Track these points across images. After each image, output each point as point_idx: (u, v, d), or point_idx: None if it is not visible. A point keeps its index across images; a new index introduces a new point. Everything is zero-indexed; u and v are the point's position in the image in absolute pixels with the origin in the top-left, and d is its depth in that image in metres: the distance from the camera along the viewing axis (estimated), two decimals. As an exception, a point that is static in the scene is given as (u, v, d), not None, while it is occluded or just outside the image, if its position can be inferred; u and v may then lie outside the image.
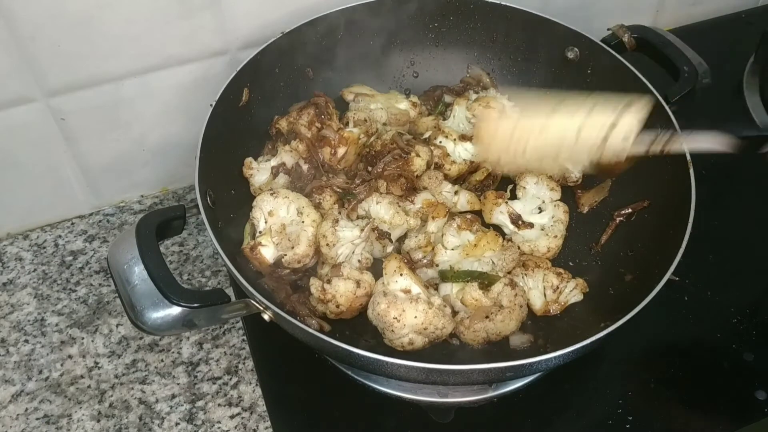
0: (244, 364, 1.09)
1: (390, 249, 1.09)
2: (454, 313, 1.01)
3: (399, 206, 1.08)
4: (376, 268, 1.06)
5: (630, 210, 1.12)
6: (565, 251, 1.13)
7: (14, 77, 1.05)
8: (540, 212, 1.14)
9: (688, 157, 1.02)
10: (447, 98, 1.29)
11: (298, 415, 1.05)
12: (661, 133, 0.89)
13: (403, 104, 1.26)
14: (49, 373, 1.09)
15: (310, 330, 0.87)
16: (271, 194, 1.06)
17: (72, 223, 1.28)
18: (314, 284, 1.01)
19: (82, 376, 1.08)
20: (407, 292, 0.98)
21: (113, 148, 1.21)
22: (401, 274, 0.99)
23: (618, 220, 1.13)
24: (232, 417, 1.04)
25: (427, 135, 1.22)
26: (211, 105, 1.06)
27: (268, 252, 1.03)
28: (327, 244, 1.02)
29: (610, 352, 1.10)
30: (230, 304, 0.88)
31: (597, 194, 1.18)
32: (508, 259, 1.05)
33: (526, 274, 1.06)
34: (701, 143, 0.88)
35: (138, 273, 0.85)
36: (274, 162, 1.14)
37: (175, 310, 0.84)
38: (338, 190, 1.12)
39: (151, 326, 0.84)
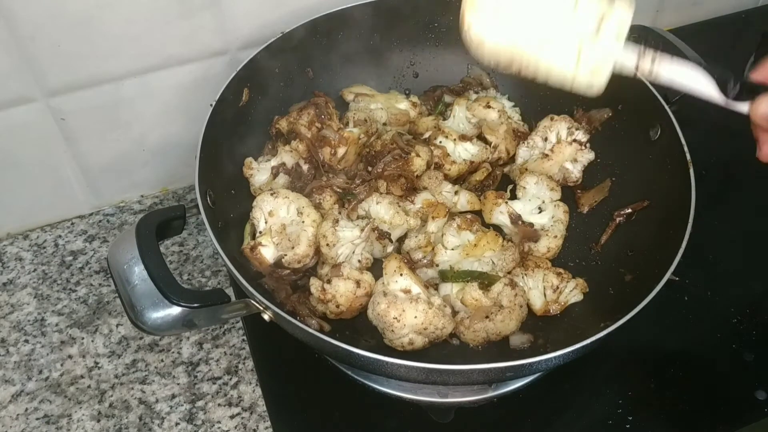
0: (244, 364, 1.09)
1: (390, 249, 1.09)
2: (454, 313, 1.01)
3: (399, 206, 1.08)
4: (376, 268, 1.06)
5: (630, 210, 1.12)
6: (565, 251, 1.13)
7: (14, 77, 1.05)
8: (540, 212, 1.14)
9: (688, 157, 1.03)
10: (447, 98, 1.29)
11: (298, 415, 1.05)
12: (648, 50, 0.87)
13: (403, 104, 1.26)
14: (49, 373, 1.09)
15: (310, 330, 0.87)
16: (271, 194, 1.06)
17: (72, 223, 1.28)
18: (314, 284, 1.01)
19: (82, 376, 1.08)
20: (407, 292, 0.98)
21: (113, 148, 1.21)
22: (401, 274, 0.99)
23: (618, 220, 1.13)
24: (232, 417, 1.04)
25: (427, 135, 1.22)
26: (211, 105, 1.06)
27: (268, 252, 1.03)
28: (327, 244, 1.02)
29: (610, 352, 1.10)
30: (230, 304, 0.88)
31: (597, 194, 1.18)
32: (508, 259, 1.05)
33: (526, 274, 1.06)
34: (684, 78, 0.86)
35: (138, 273, 0.85)
36: (274, 162, 1.14)
37: (175, 310, 0.84)
38: (338, 190, 1.12)
39: (151, 326, 0.84)
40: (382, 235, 1.06)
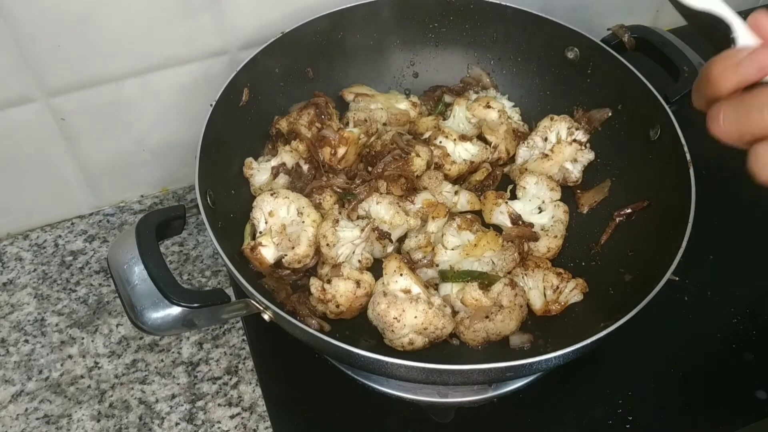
0: (244, 364, 1.09)
1: (390, 249, 1.09)
2: (454, 313, 1.01)
3: (399, 206, 1.08)
4: (376, 268, 1.06)
5: (630, 210, 1.12)
6: (565, 251, 1.13)
7: (14, 77, 1.05)
8: (540, 212, 1.14)
9: (688, 157, 1.02)
10: (447, 98, 1.29)
11: (298, 415, 1.05)
12: None
13: (403, 104, 1.26)
14: (49, 373, 1.09)
15: (310, 330, 0.86)
16: (272, 194, 1.06)
17: (72, 223, 1.28)
18: (314, 284, 1.01)
19: (82, 376, 1.08)
20: (407, 292, 0.98)
21: (113, 148, 1.21)
22: (401, 274, 0.99)
23: (618, 220, 1.13)
24: (232, 417, 1.04)
25: (427, 135, 1.22)
26: (211, 105, 1.06)
27: (268, 252, 1.03)
28: (327, 244, 1.02)
29: (610, 352, 1.10)
30: (230, 304, 0.88)
31: (597, 194, 1.18)
32: (508, 259, 1.05)
33: (526, 274, 1.06)
34: None
35: (138, 273, 0.85)
36: (274, 162, 1.14)
37: (175, 310, 0.84)
38: (338, 190, 1.12)
39: (151, 326, 0.84)
40: (382, 235, 1.06)
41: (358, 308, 1.01)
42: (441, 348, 1.00)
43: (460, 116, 1.25)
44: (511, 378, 1.02)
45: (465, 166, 1.18)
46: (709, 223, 1.15)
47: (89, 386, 1.07)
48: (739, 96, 0.66)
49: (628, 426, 1.01)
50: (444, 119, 1.26)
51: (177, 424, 1.03)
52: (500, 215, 1.13)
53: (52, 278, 1.20)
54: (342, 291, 0.99)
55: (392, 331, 0.95)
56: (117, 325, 1.14)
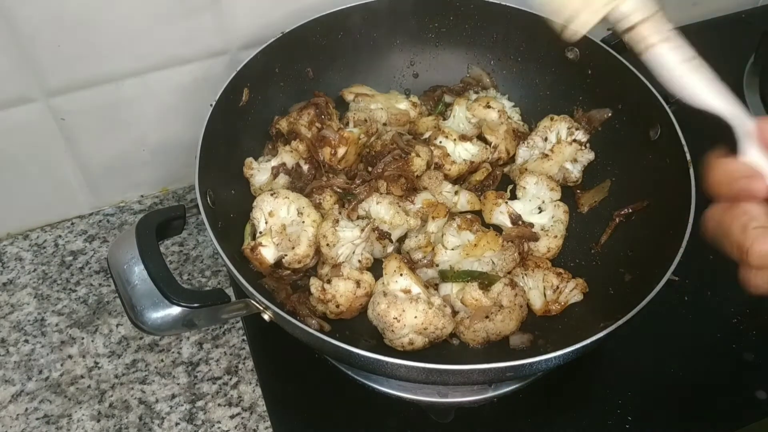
0: (244, 364, 1.09)
1: (390, 249, 1.09)
2: (454, 313, 1.01)
3: (399, 206, 1.08)
4: (376, 268, 1.06)
5: (630, 210, 1.12)
6: (565, 251, 1.13)
7: (14, 77, 1.05)
8: (540, 212, 1.14)
9: (688, 157, 1.02)
10: (447, 98, 1.29)
11: (298, 415, 1.05)
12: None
13: (403, 104, 1.26)
14: (49, 373, 1.09)
15: (310, 330, 0.86)
16: (272, 194, 1.06)
17: (72, 223, 1.28)
18: (314, 284, 1.01)
19: (82, 376, 1.08)
20: (407, 292, 0.98)
21: (113, 148, 1.21)
22: (401, 274, 0.99)
23: (618, 220, 1.13)
24: (232, 417, 1.04)
25: (427, 135, 1.22)
26: (211, 105, 1.05)
27: (268, 252, 1.03)
28: (327, 245, 1.02)
29: (610, 352, 1.10)
30: (230, 304, 0.88)
31: (597, 194, 1.18)
32: (508, 259, 1.05)
33: (526, 274, 1.06)
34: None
35: (138, 273, 0.85)
36: (274, 162, 1.14)
37: (175, 310, 0.84)
38: (338, 190, 1.12)
39: (151, 326, 0.84)
40: (383, 235, 1.06)
41: (358, 308, 1.01)
42: (441, 348, 1.00)
43: (460, 116, 1.24)
44: (511, 378, 1.02)
45: (465, 166, 1.18)
46: (709, 223, 1.15)
47: (89, 386, 1.07)
48: (731, 205, 0.67)
49: (628, 426, 1.01)
50: (444, 119, 1.26)
51: (177, 424, 1.03)
52: (500, 215, 1.13)
53: (52, 278, 1.20)
54: (342, 291, 0.99)
55: (392, 331, 0.95)
56: (117, 325, 1.14)
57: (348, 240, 1.03)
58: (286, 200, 1.06)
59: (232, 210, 1.08)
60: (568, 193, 1.19)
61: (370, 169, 1.15)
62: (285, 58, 1.19)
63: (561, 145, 1.18)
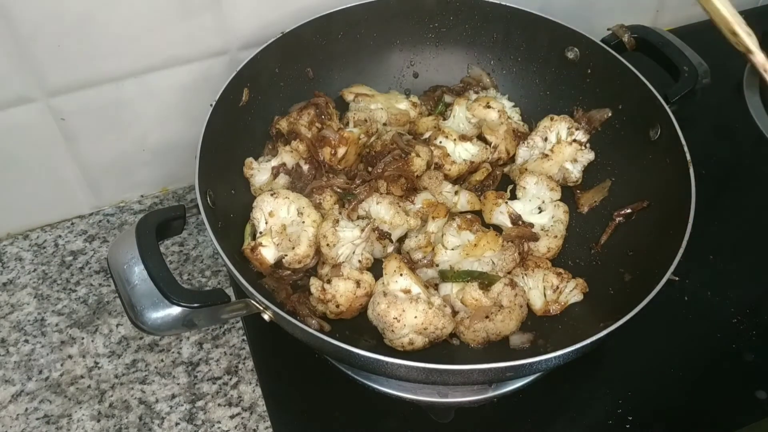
0: (244, 364, 1.09)
1: (390, 249, 1.09)
2: (454, 313, 1.01)
3: (399, 206, 1.08)
4: (376, 268, 1.06)
5: (630, 210, 1.12)
6: (565, 251, 1.13)
7: (14, 77, 1.05)
8: (540, 212, 1.14)
9: (688, 157, 1.02)
10: (447, 98, 1.29)
11: (298, 415, 1.05)
12: None
13: (403, 104, 1.26)
14: (49, 373, 1.09)
15: (310, 330, 0.86)
16: (272, 195, 1.06)
17: (72, 223, 1.28)
18: (314, 284, 1.01)
19: (82, 376, 1.08)
20: (407, 292, 0.98)
21: (113, 148, 1.21)
22: (401, 274, 0.99)
23: (618, 220, 1.13)
24: (232, 417, 1.04)
25: (427, 135, 1.22)
26: (211, 105, 1.06)
27: (268, 252, 1.03)
28: (327, 245, 1.02)
29: (610, 352, 1.10)
30: (230, 304, 0.88)
31: (597, 194, 1.18)
32: (508, 259, 1.06)
33: (526, 274, 1.06)
34: None
35: (138, 273, 0.85)
36: (274, 162, 1.14)
37: (175, 310, 0.84)
38: (338, 190, 1.12)
39: (151, 326, 0.84)
40: (383, 236, 1.06)
41: (358, 308, 1.01)
42: (441, 348, 1.00)
43: (460, 116, 1.25)
44: (511, 378, 1.02)
45: (465, 166, 1.18)
46: (709, 223, 1.15)
47: (89, 386, 1.07)
48: None
49: (628, 426, 1.01)
50: (444, 119, 1.26)
51: (177, 424, 1.03)
52: (500, 215, 1.13)
53: (52, 278, 1.20)
54: (342, 291, 0.99)
55: (392, 331, 0.95)
56: (117, 325, 1.14)
57: (348, 240, 1.03)
58: (287, 200, 1.06)
59: (232, 210, 1.08)
60: (568, 193, 1.19)
61: (370, 169, 1.15)
62: (285, 58, 1.19)
63: (561, 145, 1.18)
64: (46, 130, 1.13)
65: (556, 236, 1.11)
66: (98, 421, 1.03)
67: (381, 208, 1.07)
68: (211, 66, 1.18)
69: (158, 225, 0.92)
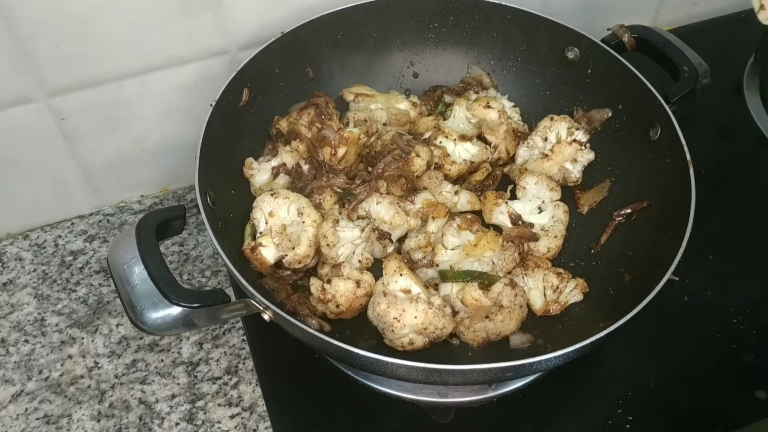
0: (244, 364, 1.09)
1: (390, 249, 1.09)
2: (454, 313, 1.01)
3: (399, 206, 1.07)
4: (376, 268, 1.06)
5: (630, 210, 1.12)
6: (565, 251, 1.13)
7: (14, 77, 1.05)
8: (540, 212, 1.14)
9: (688, 157, 1.03)
10: (447, 98, 1.29)
11: (298, 415, 1.05)
12: None
13: (403, 104, 1.26)
14: (49, 373, 1.09)
15: (310, 330, 0.87)
16: (272, 195, 1.06)
17: (72, 223, 1.28)
18: (314, 284, 1.01)
19: (82, 376, 1.08)
20: (407, 292, 0.98)
21: (113, 148, 1.21)
22: (401, 274, 0.99)
23: (618, 220, 1.13)
24: (232, 417, 1.04)
25: (427, 135, 1.22)
26: (211, 105, 1.06)
27: (268, 252, 1.03)
28: (327, 245, 1.02)
29: (610, 352, 1.10)
30: (230, 304, 0.88)
31: (597, 194, 1.18)
32: (508, 259, 1.06)
33: (526, 274, 1.06)
34: None
35: (138, 273, 0.85)
36: (274, 162, 1.14)
37: (175, 310, 0.84)
38: (338, 190, 1.12)
39: (151, 326, 0.84)
40: (383, 235, 1.06)
41: (358, 308, 1.01)
42: (441, 348, 1.00)
43: (460, 116, 1.25)
44: (511, 378, 1.02)
45: (465, 166, 1.18)
46: (709, 223, 1.15)
47: (89, 386, 1.07)
48: None
49: (628, 426, 1.01)
50: (444, 119, 1.26)
51: (177, 424, 1.03)
52: (500, 215, 1.13)
53: (52, 278, 1.20)
54: (342, 291, 0.99)
55: (392, 331, 0.95)
56: (117, 325, 1.14)
57: (348, 240, 1.03)
58: (287, 200, 1.06)
59: (232, 210, 1.08)
60: (568, 193, 1.19)
61: (370, 169, 1.15)
62: (285, 58, 1.19)
63: (561, 145, 1.18)
64: (46, 130, 1.13)
65: (556, 236, 1.11)
66: (98, 421, 1.03)
67: (381, 208, 1.07)
68: (211, 66, 1.18)
69: (158, 225, 0.92)
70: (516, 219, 1.12)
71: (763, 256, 1.21)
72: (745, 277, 1.19)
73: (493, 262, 1.05)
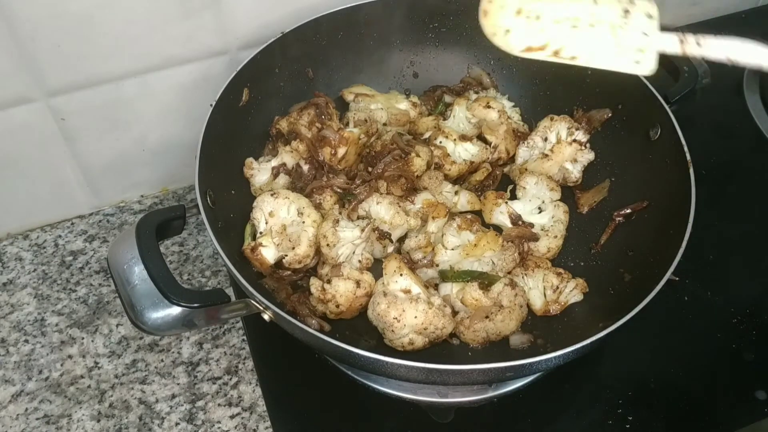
0: (244, 364, 1.09)
1: (390, 249, 1.09)
2: (454, 313, 1.01)
3: (399, 206, 1.08)
4: (376, 268, 1.06)
5: (629, 210, 1.12)
6: (565, 251, 1.13)
7: (14, 77, 1.05)
8: (540, 212, 1.14)
9: (688, 157, 1.02)
10: (447, 98, 1.29)
11: (298, 415, 1.05)
12: (688, 34, 0.84)
13: (403, 104, 1.26)
14: (49, 373, 1.09)
15: (310, 330, 0.87)
16: (272, 195, 1.06)
17: (72, 223, 1.28)
18: (314, 284, 1.01)
19: (82, 376, 1.08)
20: (407, 292, 0.98)
21: (113, 148, 1.21)
22: (401, 274, 0.99)
23: (618, 220, 1.13)
24: (232, 417, 1.04)
25: (427, 135, 1.22)
26: (211, 105, 1.06)
27: (268, 253, 1.03)
28: (327, 245, 1.02)
29: (610, 352, 1.10)
30: (230, 304, 0.88)
31: (596, 194, 1.18)
32: (508, 259, 1.06)
33: (526, 274, 1.06)
34: (740, 52, 0.80)
35: (138, 273, 0.85)
36: (274, 162, 1.14)
37: (175, 310, 0.84)
38: (338, 190, 1.12)
39: (151, 326, 0.84)
40: (383, 236, 1.06)
41: (358, 308, 1.01)
42: (441, 348, 1.00)
43: (460, 116, 1.25)
44: (511, 378, 1.02)
45: (465, 166, 1.18)
46: (709, 223, 1.15)
47: (89, 386, 1.07)
48: None
49: (628, 426, 1.01)
50: (444, 119, 1.26)
51: (177, 424, 1.03)
52: (500, 215, 1.13)
53: (52, 278, 1.20)
54: (342, 291, 0.99)
55: (392, 331, 0.95)
56: (117, 325, 1.14)
57: (348, 240, 1.03)
58: (287, 200, 1.06)
59: (232, 210, 1.08)
60: (568, 193, 1.19)
61: (370, 169, 1.15)
62: (285, 58, 1.19)
63: (561, 145, 1.18)
64: (46, 130, 1.13)
65: (556, 236, 1.11)
66: (98, 421, 1.03)
67: (381, 208, 1.07)
68: (211, 66, 1.18)
69: (158, 225, 0.92)
70: (516, 219, 1.12)
71: (763, 256, 1.21)
72: (745, 277, 1.19)
73: (493, 262, 1.05)
